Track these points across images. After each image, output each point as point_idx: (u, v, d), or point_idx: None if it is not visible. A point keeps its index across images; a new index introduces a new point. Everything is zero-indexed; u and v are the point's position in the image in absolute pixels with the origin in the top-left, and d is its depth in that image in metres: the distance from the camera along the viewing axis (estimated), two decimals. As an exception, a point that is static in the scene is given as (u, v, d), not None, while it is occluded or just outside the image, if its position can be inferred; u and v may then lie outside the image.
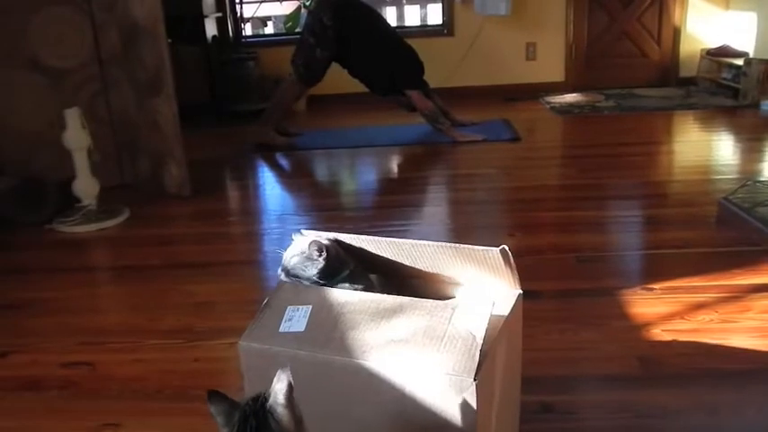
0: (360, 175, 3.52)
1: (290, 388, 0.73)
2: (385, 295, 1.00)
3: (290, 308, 0.99)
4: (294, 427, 0.73)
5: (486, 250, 0.99)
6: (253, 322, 0.99)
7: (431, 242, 1.05)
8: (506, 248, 0.99)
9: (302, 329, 0.95)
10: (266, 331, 0.97)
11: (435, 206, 2.91)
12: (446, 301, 0.96)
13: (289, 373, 0.73)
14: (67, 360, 1.60)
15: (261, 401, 0.74)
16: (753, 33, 4.42)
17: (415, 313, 0.94)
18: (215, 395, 0.75)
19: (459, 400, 0.86)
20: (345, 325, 0.95)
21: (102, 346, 1.67)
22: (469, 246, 1.01)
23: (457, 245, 1.02)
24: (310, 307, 0.98)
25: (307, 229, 1.11)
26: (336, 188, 3.28)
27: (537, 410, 1.28)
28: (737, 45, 4.55)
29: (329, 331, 0.94)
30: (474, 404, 0.85)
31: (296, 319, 0.97)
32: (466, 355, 0.87)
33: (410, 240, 1.05)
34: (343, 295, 1.00)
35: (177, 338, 1.68)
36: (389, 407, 0.91)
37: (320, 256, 1.05)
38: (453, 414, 0.87)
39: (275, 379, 0.74)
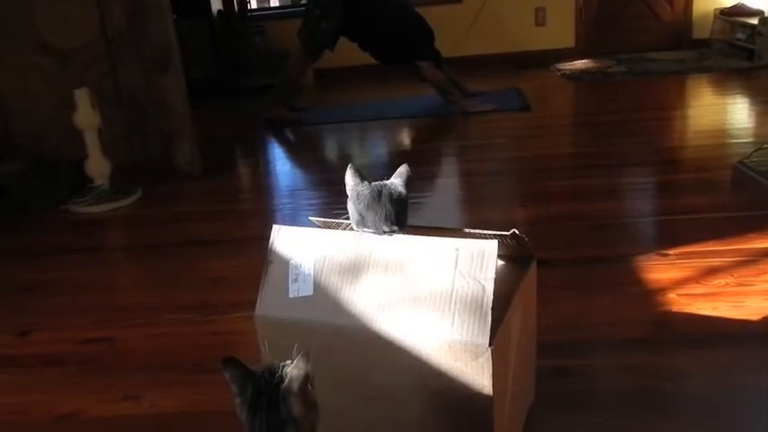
0: (370, 149, 3.50)
1: (306, 378, 0.73)
2: (383, 238, 0.96)
3: (292, 264, 0.98)
4: (305, 414, 0.74)
5: (497, 235, 0.97)
6: (262, 285, 1.00)
7: (438, 227, 1.03)
8: (516, 232, 0.97)
9: (311, 292, 0.95)
10: (277, 298, 0.98)
11: (447, 178, 2.89)
12: (448, 242, 0.92)
13: (308, 360, 0.73)
14: (87, 336, 1.63)
15: (276, 381, 0.74)
16: (768, -9, 4.31)
17: (420, 260, 0.92)
18: (230, 362, 0.75)
19: (476, 366, 0.86)
20: (352, 283, 0.94)
21: (119, 323, 1.70)
22: (479, 231, 0.98)
23: (467, 230, 1.00)
24: (312, 262, 0.97)
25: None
26: (347, 162, 3.26)
27: (553, 374, 1.28)
28: (752, 3, 4.43)
29: (338, 291, 0.94)
30: (490, 369, 0.86)
31: (302, 279, 0.97)
32: (478, 313, 0.86)
33: (416, 226, 1.02)
34: (340, 241, 0.98)
35: (194, 313, 1.70)
36: (406, 372, 0.91)
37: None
38: (470, 379, 0.87)
39: (293, 364, 0.73)
